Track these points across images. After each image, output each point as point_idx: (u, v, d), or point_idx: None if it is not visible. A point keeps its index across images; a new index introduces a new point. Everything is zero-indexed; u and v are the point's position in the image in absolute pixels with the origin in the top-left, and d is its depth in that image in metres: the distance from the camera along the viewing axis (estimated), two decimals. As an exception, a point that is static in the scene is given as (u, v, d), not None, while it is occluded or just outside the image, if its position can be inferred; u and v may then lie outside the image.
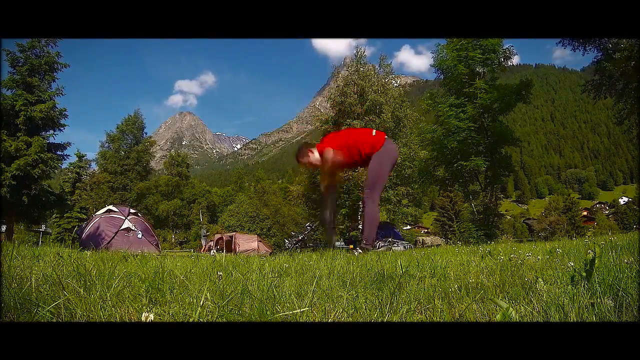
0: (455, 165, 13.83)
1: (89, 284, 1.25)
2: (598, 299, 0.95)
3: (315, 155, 3.69)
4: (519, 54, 15.82)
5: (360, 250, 3.20)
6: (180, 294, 1.23)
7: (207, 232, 23.16)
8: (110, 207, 9.45)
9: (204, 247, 20.26)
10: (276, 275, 1.71)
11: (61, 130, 15.24)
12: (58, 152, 15.25)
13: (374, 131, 3.75)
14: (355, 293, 1.27)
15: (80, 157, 31.03)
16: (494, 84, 14.28)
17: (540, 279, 1.22)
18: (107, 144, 42.25)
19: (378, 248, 3.59)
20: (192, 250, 27.66)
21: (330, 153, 3.55)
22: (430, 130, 15.03)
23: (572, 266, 1.41)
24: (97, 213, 9.77)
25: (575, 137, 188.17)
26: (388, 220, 18.74)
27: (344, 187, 19.14)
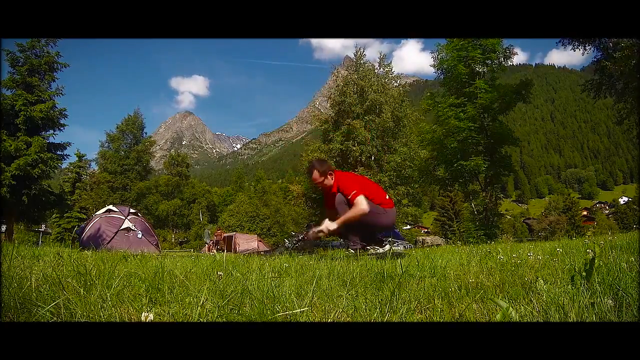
0: (455, 165, 13.82)
1: (89, 284, 1.25)
2: (598, 299, 0.94)
3: (330, 181, 3.55)
4: (519, 53, 15.81)
5: (352, 250, 3.21)
6: (180, 294, 1.23)
7: (210, 232, 22.98)
8: (110, 207, 9.45)
9: (209, 246, 20.06)
10: (276, 275, 1.71)
11: (61, 130, 15.25)
12: (58, 152, 15.26)
13: (387, 195, 3.64)
14: (355, 293, 1.27)
15: (80, 157, 31.01)
16: (494, 83, 14.27)
17: (540, 279, 1.22)
18: (107, 143, 42.20)
19: (384, 246, 3.57)
20: (192, 250, 27.66)
21: (364, 202, 3.32)
22: (430, 130, 15.03)
23: (572, 266, 1.41)
24: (97, 213, 9.77)
25: (575, 137, 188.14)
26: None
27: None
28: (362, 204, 3.31)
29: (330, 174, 3.56)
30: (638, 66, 12.66)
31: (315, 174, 3.55)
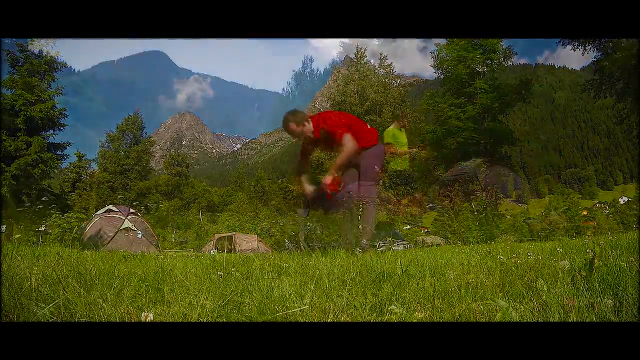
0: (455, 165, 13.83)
1: (89, 283, 1.25)
2: (598, 299, 0.94)
3: (310, 127, 3.37)
4: (519, 53, 15.82)
5: (360, 250, 3.19)
6: (180, 294, 1.23)
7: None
8: (110, 207, 9.45)
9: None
10: (276, 275, 1.71)
11: (61, 129, 15.28)
12: (58, 152, 15.28)
13: (369, 125, 3.63)
14: (355, 293, 1.27)
15: (80, 157, 31.01)
16: (494, 83, 14.28)
17: (540, 279, 1.22)
18: (107, 143, 42.20)
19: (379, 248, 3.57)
20: (192, 250, 27.62)
21: (351, 140, 3.25)
22: (430, 130, 15.06)
23: (572, 266, 1.41)
24: (97, 213, 9.77)
25: (575, 137, 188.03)
26: (388, 220, 18.69)
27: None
28: (347, 140, 3.25)
29: (307, 120, 3.39)
30: (638, 66, 12.66)
31: (292, 125, 3.33)
